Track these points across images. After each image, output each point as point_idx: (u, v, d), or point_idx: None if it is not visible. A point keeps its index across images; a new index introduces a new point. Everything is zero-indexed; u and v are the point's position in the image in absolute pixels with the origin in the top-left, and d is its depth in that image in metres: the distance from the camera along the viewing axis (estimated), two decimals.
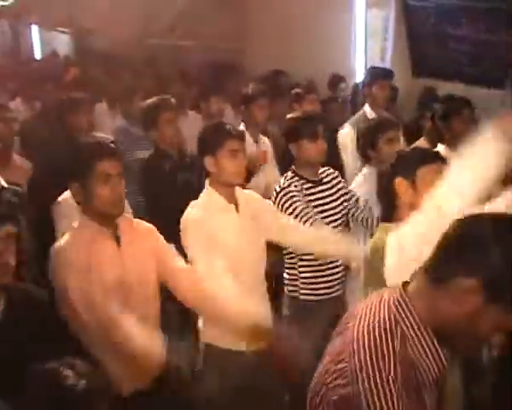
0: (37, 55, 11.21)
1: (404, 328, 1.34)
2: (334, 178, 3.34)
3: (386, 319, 1.36)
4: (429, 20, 6.13)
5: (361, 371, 1.31)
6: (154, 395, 2.42)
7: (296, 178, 3.23)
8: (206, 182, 2.80)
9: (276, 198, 3.14)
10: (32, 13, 9.81)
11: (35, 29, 11.59)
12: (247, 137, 4.19)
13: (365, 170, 3.50)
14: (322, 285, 3.24)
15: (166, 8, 8.09)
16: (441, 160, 2.15)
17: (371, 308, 1.41)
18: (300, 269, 3.25)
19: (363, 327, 1.37)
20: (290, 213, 3.08)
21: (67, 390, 1.58)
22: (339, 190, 3.32)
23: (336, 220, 3.26)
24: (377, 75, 4.89)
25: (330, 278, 3.25)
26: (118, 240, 2.41)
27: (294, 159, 3.28)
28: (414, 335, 1.34)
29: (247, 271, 2.75)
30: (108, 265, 2.37)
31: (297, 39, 7.29)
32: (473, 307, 1.28)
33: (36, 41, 11.80)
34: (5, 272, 1.98)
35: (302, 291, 3.26)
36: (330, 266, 3.23)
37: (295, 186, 3.18)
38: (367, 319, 1.39)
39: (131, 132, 4.46)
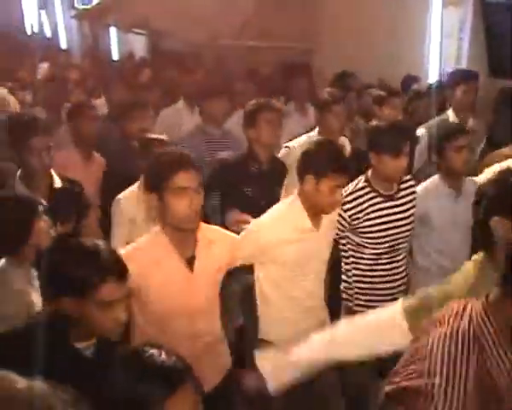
0: (115, 56, 11.58)
1: (483, 341, 1.37)
2: (408, 194, 3.21)
3: (466, 328, 1.39)
4: (507, 18, 5.86)
5: (436, 370, 1.37)
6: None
7: (367, 189, 3.11)
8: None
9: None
10: (110, 15, 10.14)
11: (113, 31, 11.98)
12: None
13: (432, 179, 3.39)
14: (376, 298, 3.12)
15: (238, 9, 8.15)
16: None
17: (453, 316, 1.44)
18: (354, 278, 3.17)
19: (443, 333, 1.41)
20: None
21: (155, 365, 1.61)
22: (410, 208, 3.19)
23: (400, 239, 3.15)
24: (462, 77, 4.70)
25: (386, 291, 3.13)
26: (191, 262, 2.40)
27: (371, 167, 3.14)
28: (492, 347, 1.36)
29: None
30: (175, 291, 2.38)
31: (369, 39, 7.15)
32: None
33: (113, 42, 12.20)
34: None
35: (356, 302, 3.17)
36: (388, 278, 3.13)
37: (360, 202, 3.08)
38: (448, 326, 1.42)
39: (207, 132, 4.47)
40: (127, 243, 2.85)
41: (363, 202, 3.07)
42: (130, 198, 3.27)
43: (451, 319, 1.45)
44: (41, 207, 2.59)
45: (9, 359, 1.65)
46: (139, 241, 2.47)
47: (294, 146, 4.02)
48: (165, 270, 2.36)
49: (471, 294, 1.73)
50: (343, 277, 3.22)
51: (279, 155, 3.97)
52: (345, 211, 3.05)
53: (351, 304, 3.18)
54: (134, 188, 3.31)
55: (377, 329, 1.91)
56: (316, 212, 2.73)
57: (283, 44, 7.98)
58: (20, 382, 1.00)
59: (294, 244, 2.72)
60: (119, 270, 1.91)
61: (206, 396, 2.43)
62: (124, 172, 3.55)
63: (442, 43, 6.77)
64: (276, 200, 3.23)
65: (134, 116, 4.21)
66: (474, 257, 1.96)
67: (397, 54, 6.73)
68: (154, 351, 1.65)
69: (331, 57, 7.67)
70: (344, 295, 3.22)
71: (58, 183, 3.31)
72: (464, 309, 1.46)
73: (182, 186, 2.27)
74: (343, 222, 3.06)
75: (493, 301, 1.42)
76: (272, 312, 2.87)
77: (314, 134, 4.18)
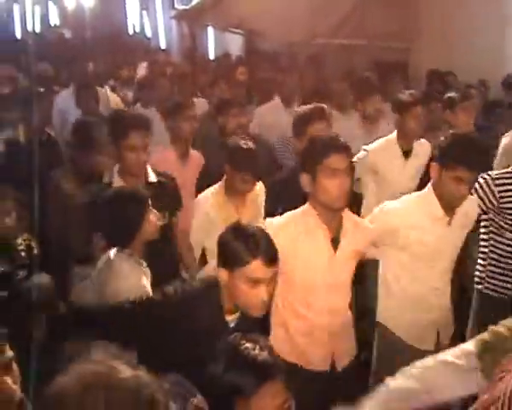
0: (211, 55, 11.84)
1: None
2: None
3: None
4: None
5: None
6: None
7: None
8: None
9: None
10: (207, 15, 10.38)
11: (210, 31, 12.25)
12: (397, 148, 4.09)
13: None
14: (506, 284, 3.12)
15: (334, 8, 8.12)
16: None
17: None
18: (489, 261, 3.17)
19: None
20: None
21: (248, 358, 1.70)
22: None
23: None
24: None
25: None
26: (335, 243, 2.61)
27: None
28: None
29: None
30: (317, 267, 2.61)
31: (468, 37, 6.93)
32: None
33: (210, 42, 12.47)
34: None
35: (486, 285, 3.19)
36: None
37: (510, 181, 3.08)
38: None
39: None
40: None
41: None
42: (210, 197, 3.41)
43: None
44: (149, 201, 2.73)
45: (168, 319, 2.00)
46: (288, 215, 2.67)
47: (371, 149, 4.03)
48: (312, 243, 2.58)
49: None
50: (479, 260, 3.24)
51: (355, 158, 3.94)
52: (495, 186, 3.05)
53: (480, 287, 3.21)
54: (215, 188, 3.42)
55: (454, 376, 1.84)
56: (445, 203, 2.76)
57: (380, 43, 7.87)
58: (126, 371, 1.05)
59: (422, 231, 2.77)
60: (269, 252, 2.08)
61: (335, 375, 2.73)
62: (221, 169, 3.63)
63: None
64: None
65: (232, 114, 4.30)
66: None
67: (499, 52, 6.48)
68: (249, 344, 1.73)
69: (430, 56, 7.50)
70: (476, 279, 3.26)
71: (153, 177, 3.39)
72: None
73: (334, 168, 2.45)
74: (491, 199, 3.05)
75: None
76: (392, 303, 2.95)
77: (393, 137, 4.12)
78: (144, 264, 2.68)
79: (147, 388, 1.04)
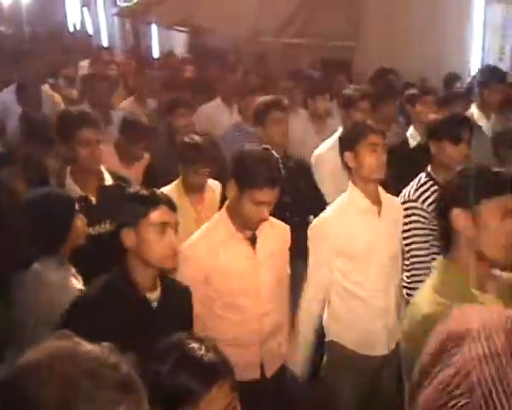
0: (156, 53, 11.71)
1: None
2: None
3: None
4: None
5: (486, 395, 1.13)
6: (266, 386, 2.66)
7: (430, 182, 3.13)
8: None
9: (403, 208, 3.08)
10: (151, 12, 10.25)
11: (154, 28, 12.12)
12: None
13: None
14: None
15: (280, 7, 8.16)
16: None
17: (490, 329, 1.20)
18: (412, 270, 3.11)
19: (483, 354, 1.16)
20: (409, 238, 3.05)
21: (193, 359, 1.63)
22: None
23: None
24: (491, 76, 4.65)
25: None
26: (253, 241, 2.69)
27: (431, 160, 3.21)
28: None
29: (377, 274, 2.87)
30: (240, 270, 2.64)
31: (410, 36, 7.10)
32: None
33: (154, 40, 12.34)
34: None
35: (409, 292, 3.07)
36: None
37: (426, 196, 3.08)
38: (485, 343, 1.18)
39: (243, 129, 4.55)
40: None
41: (429, 196, 3.07)
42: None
43: (488, 334, 1.17)
44: (77, 206, 2.58)
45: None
46: (204, 228, 2.71)
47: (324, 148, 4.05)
48: (232, 248, 2.64)
49: (434, 297, 1.72)
50: (407, 273, 3.14)
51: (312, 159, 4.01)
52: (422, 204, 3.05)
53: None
54: (171, 186, 3.39)
55: None
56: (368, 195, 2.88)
57: (325, 42, 7.96)
58: (85, 344, 1.04)
59: (353, 229, 2.80)
60: (168, 201, 2.20)
61: (264, 381, 2.67)
62: (167, 167, 3.64)
63: (485, 40, 6.68)
64: (301, 196, 3.46)
65: (180, 113, 4.29)
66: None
67: (439, 52, 6.67)
68: (195, 345, 1.67)
69: (372, 56, 7.65)
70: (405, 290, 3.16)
71: (108, 180, 3.30)
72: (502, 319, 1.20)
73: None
74: (424, 216, 3.03)
75: None
76: (339, 324, 2.94)
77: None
78: (73, 269, 2.54)
79: (112, 358, 1.03)
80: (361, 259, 2.82)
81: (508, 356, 1.13)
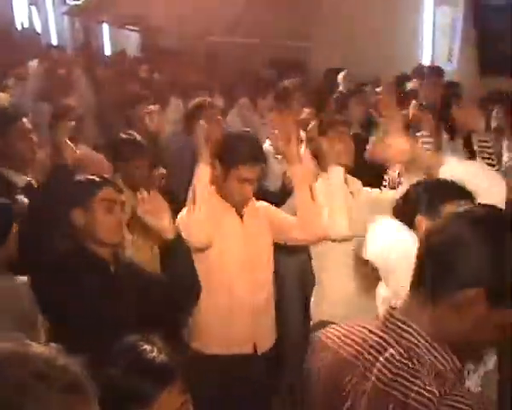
0: (107, 52, 11.53)
1: (421, 353, 1.20)
2: None
3: (404, 352, 1.22)
4: (499, 19, 5.93)
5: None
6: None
7: None
8: None
9: None
10: (102, 11, 10.10)
11: (105, 27, 11.93)
12: None
13: None
14: None
15: (229, 6, 8.15)
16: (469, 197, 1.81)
17: (381, 344, 1.25)
18: None
19: (389, 367, 1.22)
20: None
21: (145, 361, 1.63)
22: None
23: None
24: (425, 73, 4.76)
25: None
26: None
27: None
28: (432, 358, 1.20)
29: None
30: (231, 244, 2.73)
31: (365, 37, 7.19)
32: (477, 316, 1.18)
33: (106, 39, 12.15)
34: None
35: None
36: None
37: None
38: (389, 357, 1.23)
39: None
40: None
41: None
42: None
43: (383, 349, 1.25)
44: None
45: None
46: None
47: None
48: (221, 222, 2.70)
49: None
50: None
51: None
52: None
53: None
54: None
55: None
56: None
57: (277, 42, 7.99)
58: (35, 345, 1.03)
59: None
60: (114, 183, 2.41)
61: (260, 357, 2.74)
62: None
63: (434, 42, 6.83)
64: None
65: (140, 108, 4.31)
66: None
67: (392, 53, 6.77)
68: (147, 346, 1.66)
69: (327, 56, 7.71)
70: None
71: None
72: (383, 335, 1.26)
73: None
74: None
75: (410, 311, 1.25)
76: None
77: None
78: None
79: (61, 359, 1.02)
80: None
81: None
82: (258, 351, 2.75)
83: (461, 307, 1.18)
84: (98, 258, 2.30)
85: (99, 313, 2.12)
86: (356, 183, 3.09)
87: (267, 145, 4.01)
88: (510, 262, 1.15)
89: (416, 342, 1.22)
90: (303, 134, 3.53)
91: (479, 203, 1.31)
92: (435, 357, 1.20)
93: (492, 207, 1.29)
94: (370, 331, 1.29)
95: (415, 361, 1.20)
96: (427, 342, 1.21)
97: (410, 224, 1.84)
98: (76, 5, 11.84)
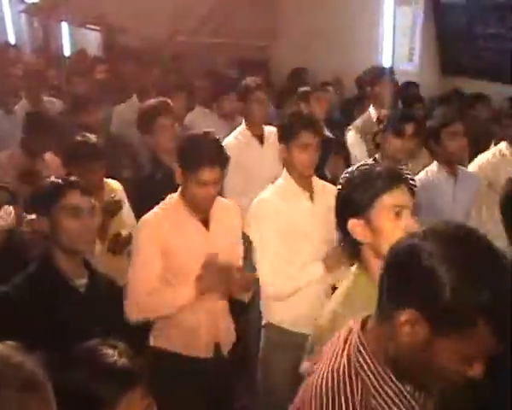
0: (67, 52, 11.32)
1: (365, 377, 1.21)
2: None
3: (346, 366, 1.23)
4: (460, 18, 6.02)
5: None
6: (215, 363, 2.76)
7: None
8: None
9: None
10: (61, 10, 9.89)
11: (65, 26, 11.70)
12: (249, 135, 4.11)
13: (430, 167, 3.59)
14: None
15: (195, 6, 8.09)
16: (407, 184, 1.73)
17: (336, 350, 1.28)
18: None
19: (325, 373, 1.25)
20: None
21: (106, 365, 1.60)
22: None
23: None
24: (377, 74, 4.85)
25: None
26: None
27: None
28: (375, 382, 1.20)
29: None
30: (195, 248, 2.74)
31: (326, 37, 7.22)
32: (418, 340, 1.14)
33: (65, 38, 11.92)
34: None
35: None
36: None
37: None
38: (330, 364, 1.26)
39: None
40: None
41: None
42: None
43: (334, 355, 1.26)
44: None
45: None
46: (159, 209, 2.78)
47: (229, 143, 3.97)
48: (185, 227, 2.73)
49: (346, 308, 1.63)
50: None
51: None
52: None
53: None
54: None
55: None
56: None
57: (240, 41, 7.97)
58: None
59: (289, 213, 2.88)
60: (81, 185, 2.30)
61: (222, 360, 2.79)
62: None
63: (395, 41, 6.89)
64: None
65: (88, 111, 4.32)
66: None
67: (353, 53, 6.81)
68: (108, 350, 1.64)
69: (289, 56, 7.72)
70: None
71: None
72: (346, 340, 1.28)
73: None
74: None
75: (370, 327, 1.26)
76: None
77: (243, 128, 4.16)
78: None
79: (17, 357, 1.01)
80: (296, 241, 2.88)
81: None
82: (223, 351, 2.81)
83: (398, 327, 1.16)
84: (69, 287, 2.23)
85: (65, 330, 2.07)
86: (320, 184, 3.07)
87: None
88: (445, 287, 1.10)
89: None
90: None
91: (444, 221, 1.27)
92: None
93: (447, 225, 1.22)
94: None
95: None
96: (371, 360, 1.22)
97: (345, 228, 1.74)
98: (33, 3, 11.56)
